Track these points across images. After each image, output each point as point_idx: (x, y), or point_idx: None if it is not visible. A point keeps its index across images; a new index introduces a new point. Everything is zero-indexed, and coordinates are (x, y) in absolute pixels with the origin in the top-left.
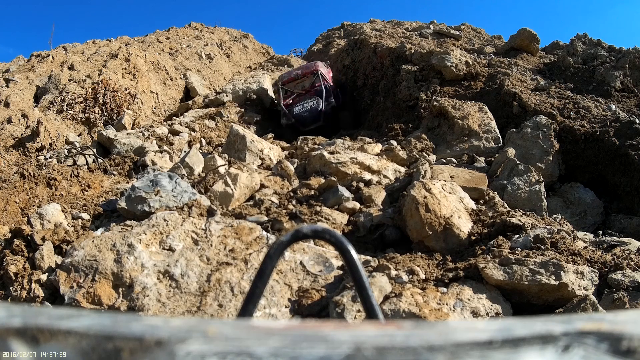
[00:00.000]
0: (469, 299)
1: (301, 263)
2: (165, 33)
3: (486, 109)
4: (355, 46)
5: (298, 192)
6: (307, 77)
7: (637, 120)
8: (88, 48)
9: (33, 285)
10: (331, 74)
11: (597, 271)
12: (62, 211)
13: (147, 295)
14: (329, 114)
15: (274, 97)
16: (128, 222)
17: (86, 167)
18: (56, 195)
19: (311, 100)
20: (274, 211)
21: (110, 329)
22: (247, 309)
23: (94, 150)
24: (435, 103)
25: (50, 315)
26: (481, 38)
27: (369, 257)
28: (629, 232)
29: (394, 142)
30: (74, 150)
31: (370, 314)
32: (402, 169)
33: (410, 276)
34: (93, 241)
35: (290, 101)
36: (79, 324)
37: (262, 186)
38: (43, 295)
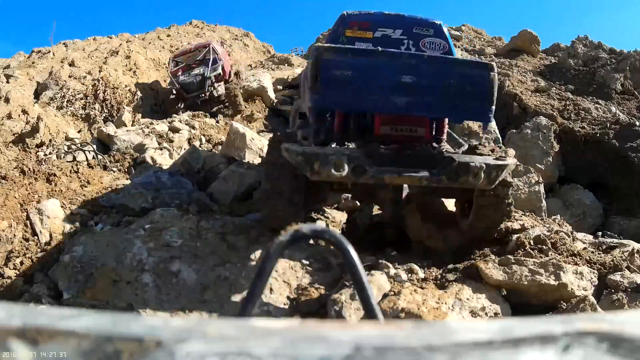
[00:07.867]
0: (467, 299)
1: (300, 261)
2: (166, 31)
3: None
4: None
5: None
6: (199, 50)
7: (637, 123)
8: (89, 45)
9: None
10: (228, 59)
11: (596, 272)
12: (62, 207)
13: (146, 292)
14: (212, 85)
15: (273, 96)
16: (127, 219)
17: (86, 163)
18: (56, 191)
19: (198, 69)
20: None
21: (110, 330)
22: (246, 308)
23: (94, 146)
24: None
25: (50, 316)
26: (482, 39)
27: (368, 257)
28: (628, 234)
29: None
30: (73, 147)
31: (370, 313)
32: None
33: (410, 275)
34: (92, 237)
35: (180, 72)
36: (79, 324)
37: None
38: None
